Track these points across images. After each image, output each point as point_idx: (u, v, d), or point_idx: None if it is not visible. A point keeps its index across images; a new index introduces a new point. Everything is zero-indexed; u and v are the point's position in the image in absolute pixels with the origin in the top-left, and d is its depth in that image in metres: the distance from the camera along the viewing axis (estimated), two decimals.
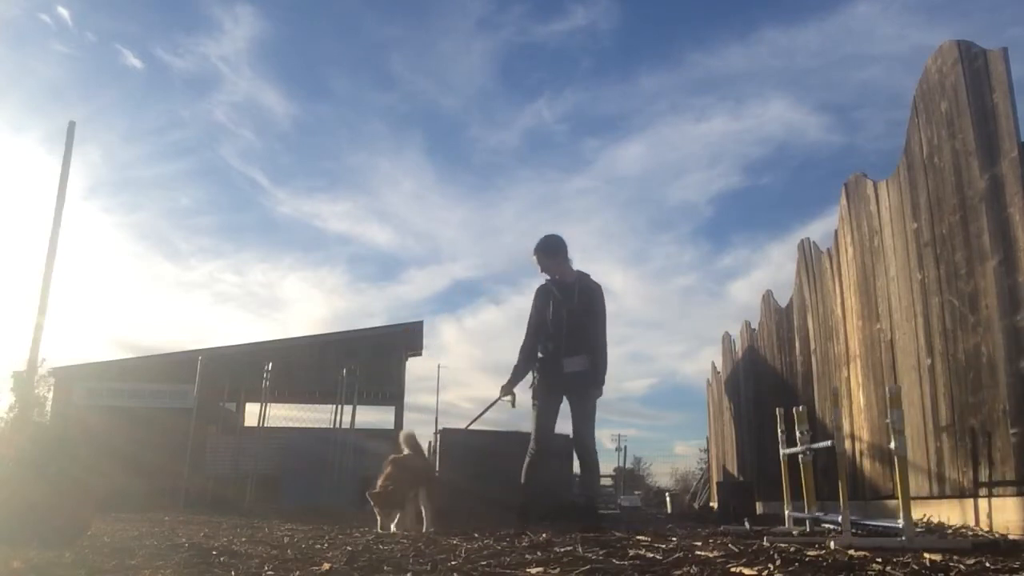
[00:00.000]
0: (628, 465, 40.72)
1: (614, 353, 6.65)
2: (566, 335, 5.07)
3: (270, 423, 12.19)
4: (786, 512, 4.63)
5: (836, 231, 5.89)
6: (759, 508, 7.52)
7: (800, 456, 4.40)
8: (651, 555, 2.55)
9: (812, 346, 6.51)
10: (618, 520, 7.89)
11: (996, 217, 3.57)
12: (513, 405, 5.04)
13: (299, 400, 13.61)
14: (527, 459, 4.92)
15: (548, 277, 5.24)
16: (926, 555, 2.45)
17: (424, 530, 4.39)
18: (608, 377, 5.23)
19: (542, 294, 5.28)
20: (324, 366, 13.18)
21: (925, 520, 4.15)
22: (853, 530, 3.53)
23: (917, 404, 4.39)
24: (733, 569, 2.10)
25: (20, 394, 14.25)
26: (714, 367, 10.95)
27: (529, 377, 5.33)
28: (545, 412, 5.01)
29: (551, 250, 5.23)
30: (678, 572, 2.08)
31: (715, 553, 2.58)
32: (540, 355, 5.16)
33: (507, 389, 5.15)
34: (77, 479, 2.84)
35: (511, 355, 5.36)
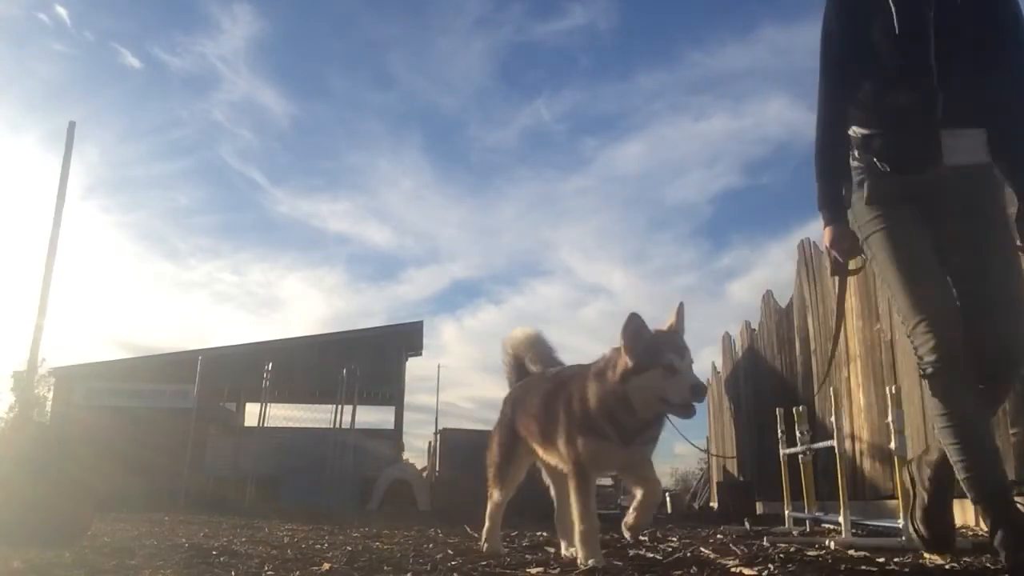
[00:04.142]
0: None
1: None
2: (939, 73, 2.05)
3: (270, 423, 12.20)
4: (786, 512, 4.63)
5: None
6: (759, 508, 7.52)
7: (800, 456, 4.40)
8: (651, 555, 2.56)
9: (812, 346, 6.51)
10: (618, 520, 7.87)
11: None
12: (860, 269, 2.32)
13: (299, 400, 13.60)
14: (933, 382, 2.01)
15: None
16: (926, 555, 2.45)
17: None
18: None
19: None
20: (324, 366, 13.16)
21: None
22: (853, 530, 3.54)
23: (917, 404, 4.39)
24: (733, 569, 2.10)
25: (20, 394, 14.25)
26: (714, 367, 10.95)
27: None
28: (921, 260, 2.09)
29: None
30: (678, 572, 2.08)
31: (715, 553, 2.58)
32: (870, 131, 2.17)
33: (844, 235, 2.18)
34: (77, 479, 2.84)
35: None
